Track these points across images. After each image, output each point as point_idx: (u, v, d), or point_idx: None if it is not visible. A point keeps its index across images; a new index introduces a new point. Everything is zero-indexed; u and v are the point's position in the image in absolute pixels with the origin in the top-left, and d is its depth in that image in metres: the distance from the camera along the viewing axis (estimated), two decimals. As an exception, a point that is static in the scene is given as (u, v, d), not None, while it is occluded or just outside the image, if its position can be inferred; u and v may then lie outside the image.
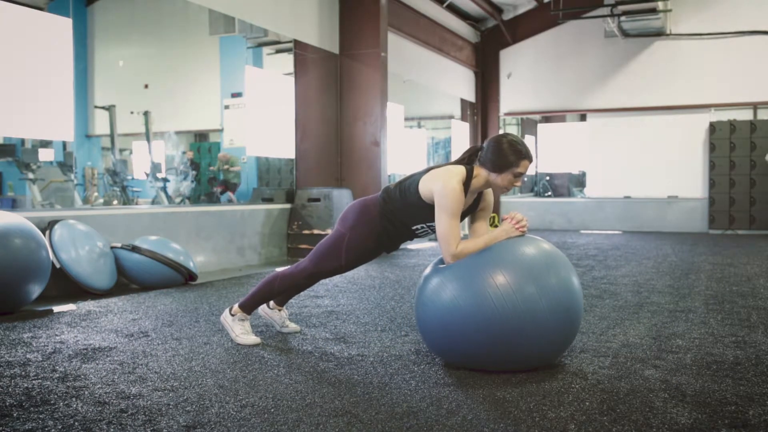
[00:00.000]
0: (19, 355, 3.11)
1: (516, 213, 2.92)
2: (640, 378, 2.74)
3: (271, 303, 3.61)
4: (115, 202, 11.48)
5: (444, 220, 2.85)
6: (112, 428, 2.17)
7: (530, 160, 2.92)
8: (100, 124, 13.05)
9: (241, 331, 3.35)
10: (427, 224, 3.06)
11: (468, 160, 3.01)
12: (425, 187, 2.95)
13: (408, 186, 3.04)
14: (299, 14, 8.03)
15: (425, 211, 3.00)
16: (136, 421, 2.23)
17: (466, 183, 2.91)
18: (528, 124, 15.24)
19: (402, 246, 5.94)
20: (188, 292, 5.10)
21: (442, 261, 2.95)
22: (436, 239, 3.35)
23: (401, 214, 3.07)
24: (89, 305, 4.47)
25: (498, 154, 2.89)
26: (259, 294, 3.35)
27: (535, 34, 13.20)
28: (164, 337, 3.51)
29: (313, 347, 3.31)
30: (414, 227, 3.10)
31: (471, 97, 13.46)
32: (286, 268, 3.37)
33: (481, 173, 2.95)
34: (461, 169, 2.92)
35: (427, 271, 3.00)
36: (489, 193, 3.12)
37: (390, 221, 3.10)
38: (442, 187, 2.85)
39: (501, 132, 13.65)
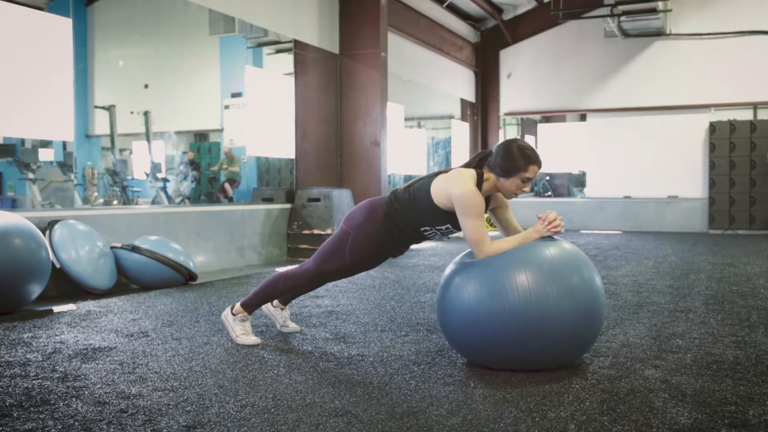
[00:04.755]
0: (19, 355, 3.11)
1: (549, 213, 2.90)
2: (640, 378, 2.74)
3: (275, 301, 3.62)
4: (115, 202, 11.49)
5: (470, 223, 2.86)
6: (112, 428, 2.17)
7: (539, 165, 2.92)
8: (100, 124, 13.05)
9: (241, 331, 3.36)
10: (437, 227, 3.07)
11: (477, 164, 3.02)
12: (438, 192, 2.95)
13: (417, 190, 3.04)
14: (299, 14, 8.03)
15: (436, 215, 3.00)
16: (136, 421, 2.23)
17: (478, 186, 2.92)
18: (528, 124, 15.24)
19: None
20: (188, 292, 5.10)
21: (461, 259, 2.99)
22: (443, 240, 3.35)
23: (408, 217, 3.07)
24: (89, 305, 4.47)
25: (507, 159, 2.90)
26: (262, 293, 3.35)
27: (535, 34, 13.20)
28: (164, 337, 3.51)
29: (313, 347, 3.31)
30: (423, 229, 3.10)
31: (471, 97, 13.46)
32: (291, 267, 3.37)
33: (490, 177, 2.97)
34: (472, 172, 2.93)
35: (448, 270, 3.01)
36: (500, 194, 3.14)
37: (394, 223, 3.09)
38: (461, 193, 2.85)
39: (500, 132, 13.76)
